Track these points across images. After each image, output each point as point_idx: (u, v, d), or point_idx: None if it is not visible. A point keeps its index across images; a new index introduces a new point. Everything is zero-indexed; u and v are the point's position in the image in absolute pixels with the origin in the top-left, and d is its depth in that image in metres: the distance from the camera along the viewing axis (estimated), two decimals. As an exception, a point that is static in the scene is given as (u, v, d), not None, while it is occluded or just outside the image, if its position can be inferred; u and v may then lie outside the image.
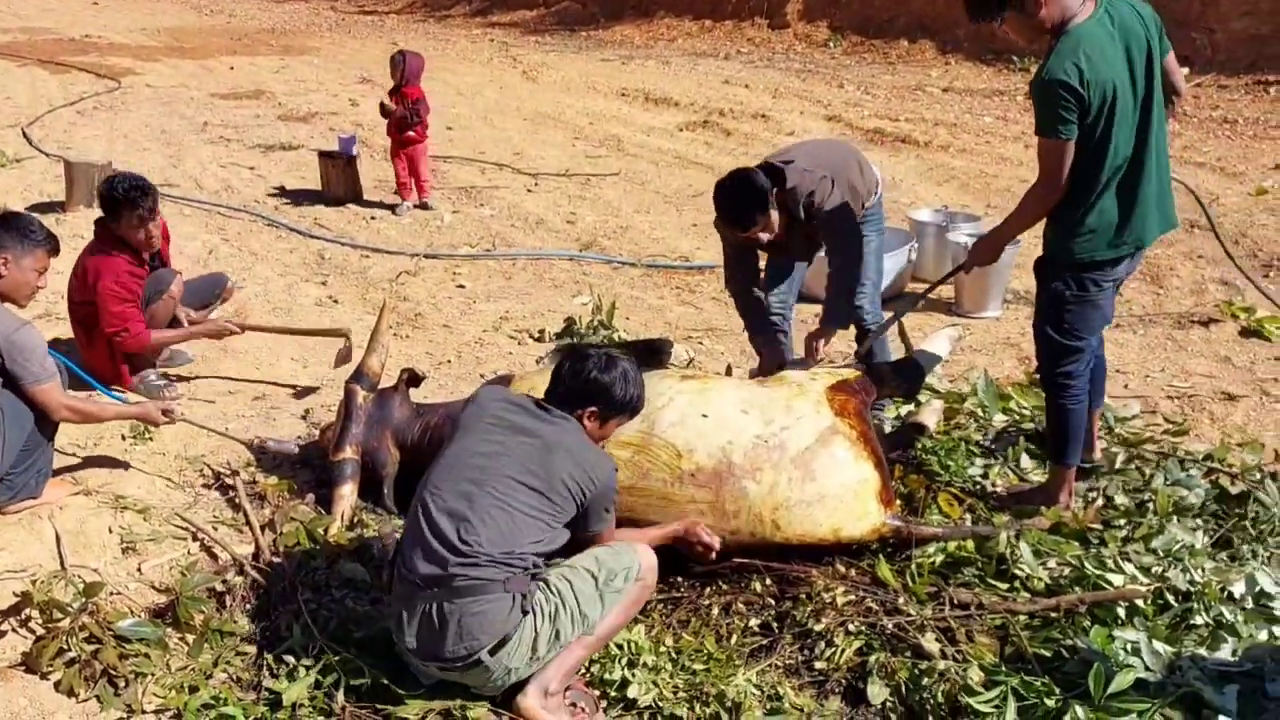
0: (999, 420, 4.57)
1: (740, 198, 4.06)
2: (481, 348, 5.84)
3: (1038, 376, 4.86)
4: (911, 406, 4.60)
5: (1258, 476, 4.04)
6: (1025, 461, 4.30)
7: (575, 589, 3.01)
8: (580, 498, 3.00)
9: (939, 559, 3.52)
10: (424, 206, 8.46)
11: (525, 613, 2.92)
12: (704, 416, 3.55)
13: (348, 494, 4.03)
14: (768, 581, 3.49)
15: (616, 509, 3.23)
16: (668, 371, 3.96)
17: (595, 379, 3.10)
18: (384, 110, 8.30)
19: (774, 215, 4.11)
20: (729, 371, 4.97)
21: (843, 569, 3.50)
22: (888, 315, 4.52)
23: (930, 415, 4.49)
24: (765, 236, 4.15)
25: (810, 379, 3.80)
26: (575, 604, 3.00)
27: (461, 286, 6.85)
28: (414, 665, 3.05)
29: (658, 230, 8.10)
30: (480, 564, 2.89)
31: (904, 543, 3.55)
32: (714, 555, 3.42)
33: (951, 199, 8.66)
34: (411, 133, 8.24)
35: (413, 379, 4.31)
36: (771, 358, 4.36)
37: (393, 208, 8.42)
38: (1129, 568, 3.39)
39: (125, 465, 4.33)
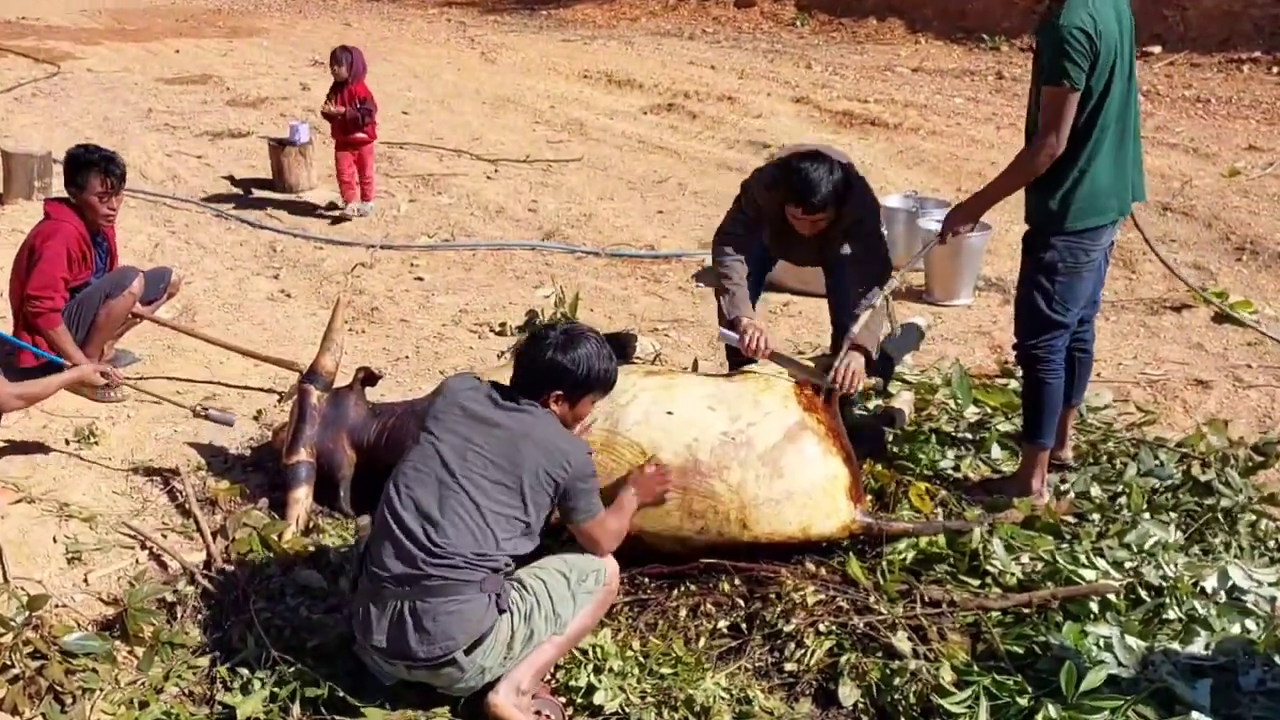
0: (971, 412, 4.61)
1: (831, 179, 3.88)
2: (441, 342, 5.82)
3: (1010, 366, 4.93)
4: (881, 400, 4.63)
5: (1222, 461, 4.12)
6: (997, 452, 4.34)
7: (549, 588, 3.04)
8: (551, 488, 2.99)
9: (910, 555, 3.54)
10: (344, 217, 7.96)
11: (501, 611, 2.94)
12: (669, 414, 3.55)
13: (302, 498, 4.00)
14: (736, 582, 3.50)
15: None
16: (632, 367, 3.96)
17: (554, 360, 3.05)
18: (329, 115, 7.87)
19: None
20: (695, 366, 4.98)
21: (812, 568, 3.52)
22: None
23: (901, 403, 4.52)
24: (811, 231, 4.01)
25: (778, 373, 3.82)
26: (550, 603, 3.02)
27: (419, 279, 6.82)
28: (376, 664, 3.04)
29: (622, 218, 8.09)
30: (455, 564, 2.89)
31: (875, 539, 3.57)
32: (669, 486, 3.42)
33: (922, 183, 8.71)
34: (362, 133, 7.88)
35: (369, 377, 4.29)
36: (734, 312, 4.12)
37: (340, 213, 7.99)
38: (1102, 563, 3.44)
39: (70, 471, 4.27)
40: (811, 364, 4.32)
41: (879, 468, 4.03)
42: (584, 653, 3.24)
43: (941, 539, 3.57)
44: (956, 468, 4.24)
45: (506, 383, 3.16)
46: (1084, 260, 3.72)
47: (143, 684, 3.20)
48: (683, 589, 3.53)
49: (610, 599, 3.22)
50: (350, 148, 7.92)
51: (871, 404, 4.61)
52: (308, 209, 8.27)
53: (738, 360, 4.53)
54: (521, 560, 3.07)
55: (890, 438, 4.34)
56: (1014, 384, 4.79)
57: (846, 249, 4.17)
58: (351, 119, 7.78)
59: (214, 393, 5.09)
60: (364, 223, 7.92)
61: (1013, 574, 3.44)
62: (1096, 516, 3.82)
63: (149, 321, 5.23)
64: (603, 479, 3.48)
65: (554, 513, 3.12)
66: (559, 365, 3.05)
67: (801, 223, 3.97)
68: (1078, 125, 3.54)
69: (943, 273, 6.26)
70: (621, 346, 4.16)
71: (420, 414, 3.23)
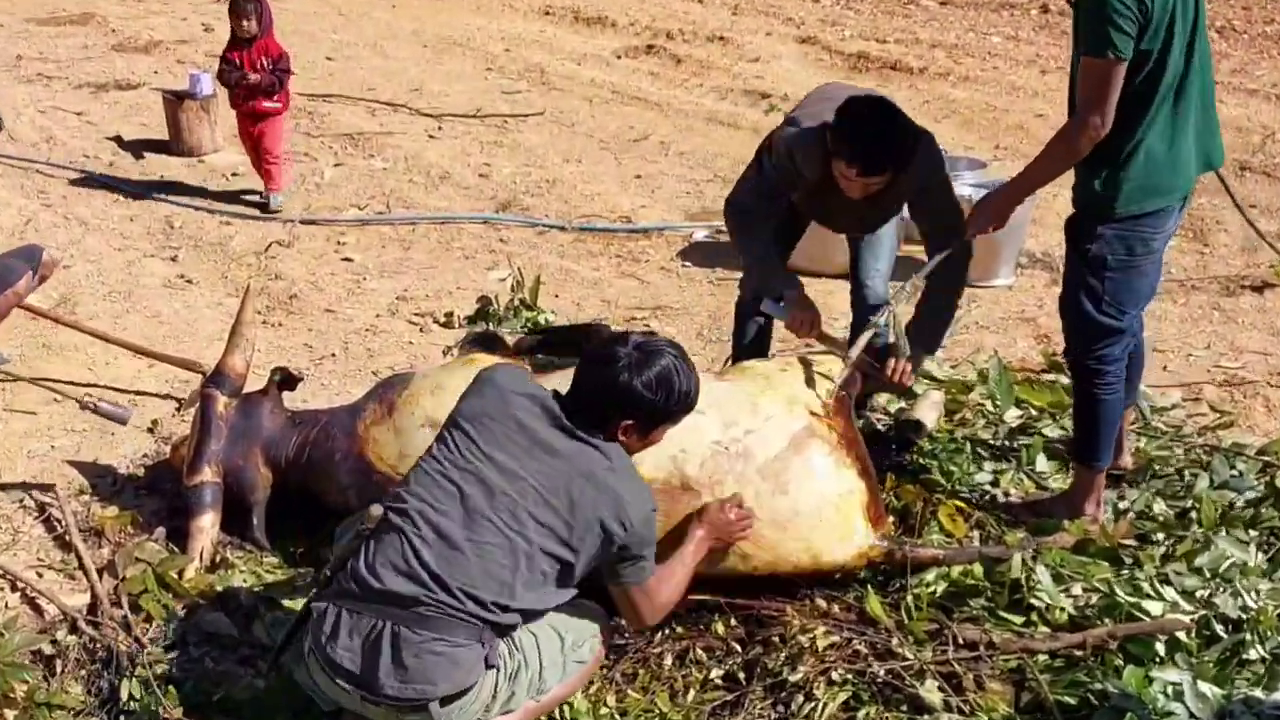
0: (1012, 415, 4.63)
1: (896, 135, 3.81)
2: (374, 336, 5.81)
3: (1059, 359, 4.94)
4: (904, 402, 4.66)
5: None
6: (1043, 464, 4.35)
7: (540, 648, 3.04)
8: (604, 544, 2.95)
9: (940, 588, 3.56)
10: (265, 206, 7.60)
11: (489, 667, 2.93)
12: (649, 420, 3.55)
13: (207, 527, 3.99)
14: (732, 622, 3.51)
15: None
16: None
17: (629, 386, 2.95)
18: (235, 78, 7.35)
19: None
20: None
21: (823, 604, 3.53)
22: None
23: (928, 410, 4.53)
24: (862, 194, 3.96)
25: (781, 370, 3.83)
26: (538, 666, 3.03)
27: (348, 260, 6.80)
28: (314, 683, 3.00)
29: (592, 184, 8.10)
30: (463, 606, 2.87)
31: (898, 569, 3.59)
32: (748, 533, 3.44)
33: (951, 139, 8.74)
34: (273, 102, 7.46)
35: (286, 380, 4.28)
36: (775, 284, 4.17)
37: (261, 205, 7.65)
38: (1169, 593, 3.45)
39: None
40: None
41: (903, 483, 4.05)
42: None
43: (978, 568, 3.57)
44: (995, 482, 4.25)
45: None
46: (1140, 252, 3.67)
47: (14, 754, 3.20)
48: (667, 632, 3.54)
49: (597, 667, 3.25)
50: (257, 119, 7.49)
51: (893, 407, 4.62)
52: (215, 173, 8.23)
53: (743, 352, 4.55)
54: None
55: (916, 447, 4.35)
56: (1065, 380, 4.80)
57: (900, 216, 4.22)
58: (268, 85, 7.39)
59: (100, 398, 5.06)
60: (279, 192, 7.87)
61: (1063, 609, 3.45)
62: (1161, 537, 3.83)
63: (19, 309, 5.16)
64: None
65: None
66: (634, 392, 2.96)
67: (853, 185, 3.90)
68: (1129, 93, 3.49)
69: (978, 248, 6.26)
70: (592, 340, 4.15)
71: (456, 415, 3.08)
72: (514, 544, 2.88)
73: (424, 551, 2.88)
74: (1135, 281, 3.73)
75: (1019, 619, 3.45)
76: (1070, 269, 3.81)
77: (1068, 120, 3.63)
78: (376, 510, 2.97)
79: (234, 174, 8.24)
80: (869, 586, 3.56)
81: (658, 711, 3.28)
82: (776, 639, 3.42)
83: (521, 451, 2.94)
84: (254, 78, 7.38)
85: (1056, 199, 6.75)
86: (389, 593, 2.88)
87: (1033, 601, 3.48)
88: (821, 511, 3.50)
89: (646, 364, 2.96)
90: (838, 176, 3.92)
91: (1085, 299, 3.74)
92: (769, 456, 3.53)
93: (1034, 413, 4.66)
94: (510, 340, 4.46)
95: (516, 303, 5.78)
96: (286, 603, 3.67)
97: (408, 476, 3.03)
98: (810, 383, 3.76)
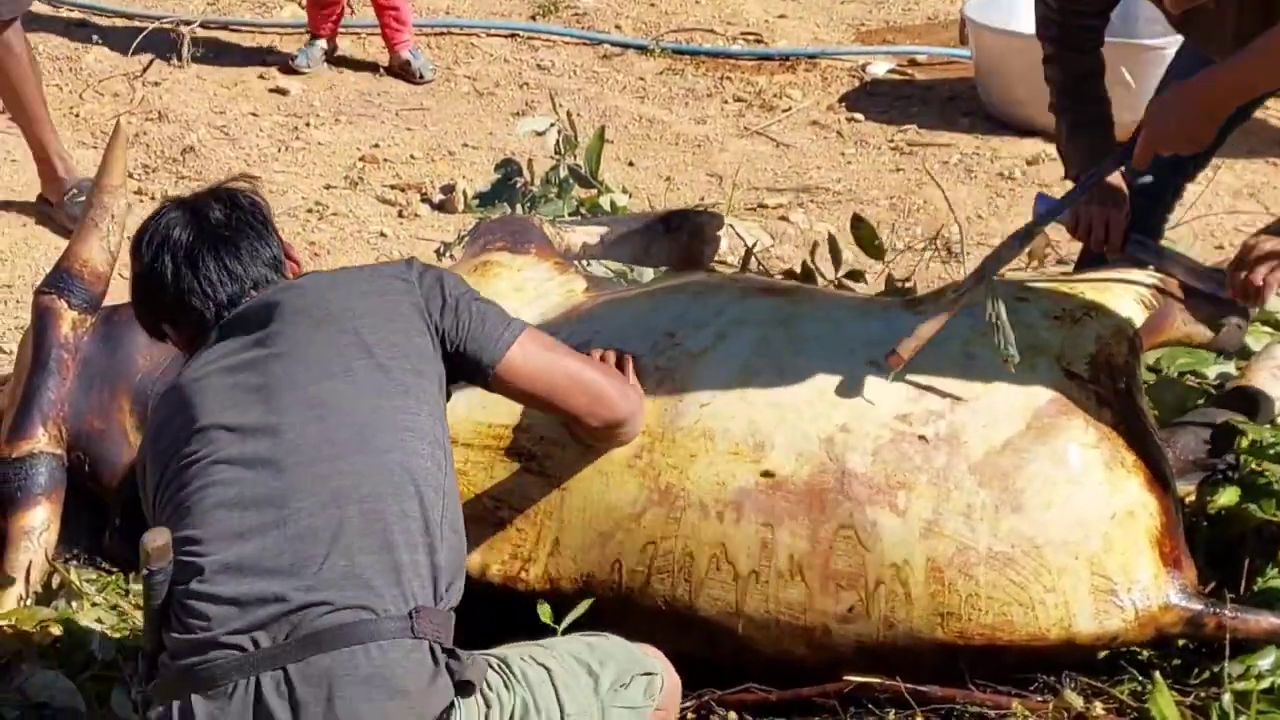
0: None
1: None
2: (321, 222, 5.91)
3: None
4: (1228, 365, 4.61)
5: None
6: None
7: (555, 682, 3.05)
8: (426, 325, 3.20)
9: (1284, 680, 3.53)
10: (407, 70, 7.37)
11: (461, 689, 2.92)
12: (783, 385, 3.54)
13: (38, 528, 4.03)
14: (920, 721, 3.51)
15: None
16: (712, 277, 3.96)
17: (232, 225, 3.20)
18: None
19: None
20: (843, 278, 4.91)
21: (1077, 700, 3.49)
22: None
23: (1273, 377, 4.46)
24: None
25: (1017, 298, 3.78)
26: (556, 708, 3.02)
27: (279, 92, 6.92)
28: None
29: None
30: (354, 572, 2.88)
31: (1210, 646, 3.55)
32: None
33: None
34: None
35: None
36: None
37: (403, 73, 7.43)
38: None
39: None
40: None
41: (1221, 500, 3.97)
42: None
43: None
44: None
45: None
46: None
47: None
48: (809, 729, 3.55)
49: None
50: None
51: (1212, 369, 4.59)
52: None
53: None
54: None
55: (1247, 440, 4.24)
56: None
57: None
58: None
59: None
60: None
61: None
62: None
63: None
64: (647, 504, 3.50)
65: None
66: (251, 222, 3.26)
67: None
68: None
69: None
70: (693, 236, 4.26)
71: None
72: (360, 428, 3.02)
73: (249, 556, 2.89)
74: None
75: None
76: None
77: None
78: (159, 539, 2.96)
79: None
80: (1156, 674, 3.51)
81: None
82: (998, 755, 3.43)
83: (264, 362, 3.11)
84: None
85: None
86: (251, 626, 2.84)
87: None
88: (1082, 544, 3.47)
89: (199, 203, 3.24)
90: None
91: None
92: (992, 446, 3.53)
93: None
94: (552, 234, 4.41)
95: (564, 173, 5.74)
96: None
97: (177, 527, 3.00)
98: (1072, 320, 3.75)
